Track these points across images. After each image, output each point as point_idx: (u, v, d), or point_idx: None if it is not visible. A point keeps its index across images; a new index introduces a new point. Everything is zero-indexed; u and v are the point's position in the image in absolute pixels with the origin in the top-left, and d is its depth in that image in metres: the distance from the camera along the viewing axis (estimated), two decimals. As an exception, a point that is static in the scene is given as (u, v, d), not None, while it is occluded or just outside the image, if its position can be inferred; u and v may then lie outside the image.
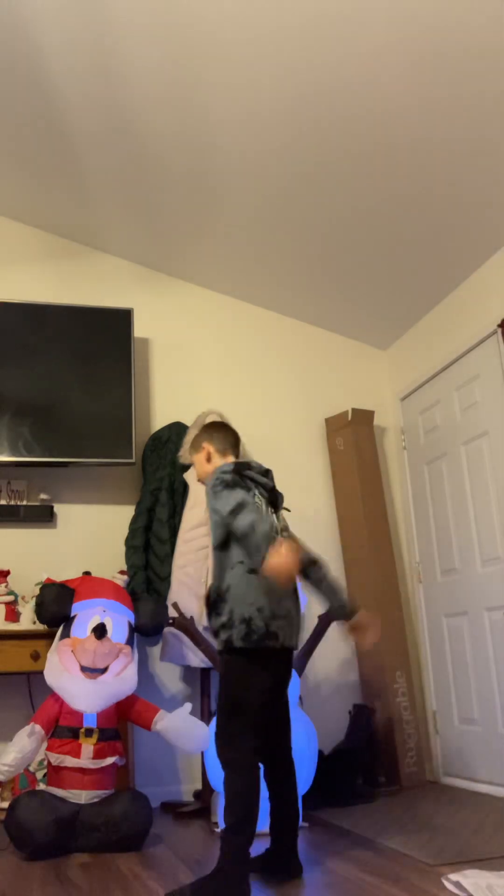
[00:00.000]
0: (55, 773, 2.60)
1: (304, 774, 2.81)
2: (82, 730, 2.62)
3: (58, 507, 3.65)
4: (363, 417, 4.08)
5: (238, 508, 2.03)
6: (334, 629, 3.61)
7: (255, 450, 3.96)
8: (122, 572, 3.46)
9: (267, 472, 2.31)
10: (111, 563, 3.56)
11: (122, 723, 2.83)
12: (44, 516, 3.58)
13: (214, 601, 2.11)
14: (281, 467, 4.03)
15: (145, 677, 3.47)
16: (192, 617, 3.13)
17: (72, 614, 2.85)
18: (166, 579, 3.42)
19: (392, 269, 3.69)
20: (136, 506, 3.64)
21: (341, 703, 3.72)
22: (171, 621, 3.15)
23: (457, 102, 2.66)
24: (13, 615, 3.23)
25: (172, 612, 3.18)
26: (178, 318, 4.12)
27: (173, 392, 3.98)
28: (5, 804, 2.95)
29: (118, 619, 2.83)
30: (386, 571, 3.85)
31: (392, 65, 2.55)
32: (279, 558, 1.89)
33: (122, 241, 3.95)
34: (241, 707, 2.05)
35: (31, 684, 3.33)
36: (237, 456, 2.41)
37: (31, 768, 3.04)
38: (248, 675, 2.07)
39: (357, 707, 3.53)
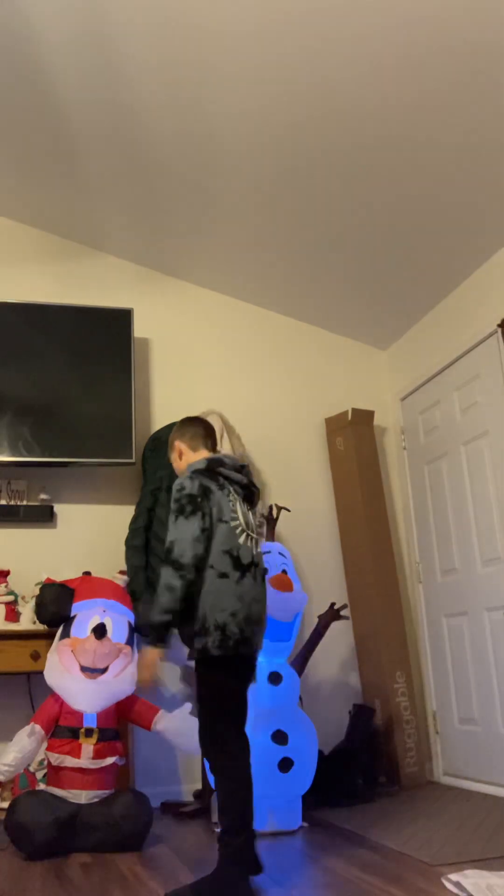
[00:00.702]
0: (55, 773, 2.60)
1: (305, 774, 2.81)
2: (82, 730, 2.62)
3: (58, 507, 3.65)
4: (363, 417, 4.08)
5: (183, 545, 2.02)
6: (334, 629, 3.61)
7: (255, 450, 3.95)
8: (122, 572, 3.46)
9: (242, 468, 2.25)
10: (111, 563, 3.55)
11: (122, 723, 2.83)
12: (44, 516, 3.58)
13: (186, 608, 2.02)
14: (281, 467, 4.04)
15: (145, 677, 3.47)
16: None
17: (72, 614, 2.85)
18: (166, 579, 3.42)
19: (392, 269, 3.69)
20: (136, 506, 3.64)
21: (341, 703, 3.72)
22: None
23: (458, 101, 2.66)
24: (13, 615, 3.23)
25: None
26: (177, 318, 4.12)
27: (173, 392, 3.98)
28: (5, 804, 2.95)
29: (118, 620, 2.83)
30: (386, 571, 3.85)
31: (392, 65, 2.55)
32: (143, 673, 2.05)
33: (122, 241, 3.95)
34: (222, 712, 2.04)
35: (31, 684, 3.32)
36: (211, 448, 2.35)
37: (31, 768, 3.03)
38: (227, 681, 2.05)
39: (357, 707, 3.53)
